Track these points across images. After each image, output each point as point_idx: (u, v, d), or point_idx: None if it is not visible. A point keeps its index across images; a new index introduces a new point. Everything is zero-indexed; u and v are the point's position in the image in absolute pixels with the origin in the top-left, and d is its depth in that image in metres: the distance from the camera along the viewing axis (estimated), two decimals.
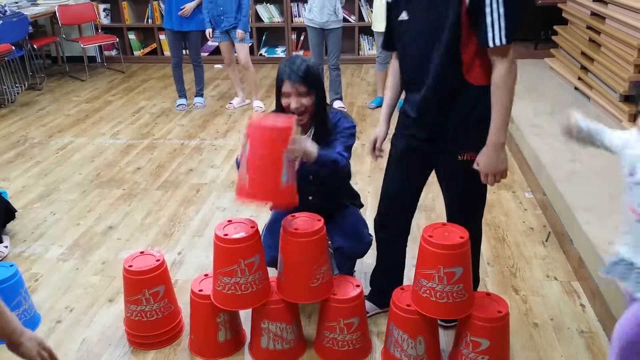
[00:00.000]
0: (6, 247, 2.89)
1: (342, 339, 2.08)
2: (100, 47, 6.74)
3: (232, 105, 5.19)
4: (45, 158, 4.14)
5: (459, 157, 1.97)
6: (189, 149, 4.22)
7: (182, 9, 4.73)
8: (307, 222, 2.03)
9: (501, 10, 1.71)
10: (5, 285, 2.22)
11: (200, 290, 2.10)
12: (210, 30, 4.82)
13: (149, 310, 2.15)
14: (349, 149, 2.17)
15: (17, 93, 5.61)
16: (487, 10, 1.72)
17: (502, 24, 1.72)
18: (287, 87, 2.06)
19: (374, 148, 2.18)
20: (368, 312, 2.32)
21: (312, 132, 2.18)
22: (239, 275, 1.96)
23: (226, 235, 1.95)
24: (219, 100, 5.42)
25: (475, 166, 1.92)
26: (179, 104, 5.19)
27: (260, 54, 6.77)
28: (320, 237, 2.00)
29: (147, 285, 2.12)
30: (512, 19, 1.72)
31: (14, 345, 1.17)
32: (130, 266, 2.13)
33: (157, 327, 2.18)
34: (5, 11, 5.45)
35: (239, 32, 4.72)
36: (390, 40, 2.05)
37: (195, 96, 5.25)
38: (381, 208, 2.25)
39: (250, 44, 5.20)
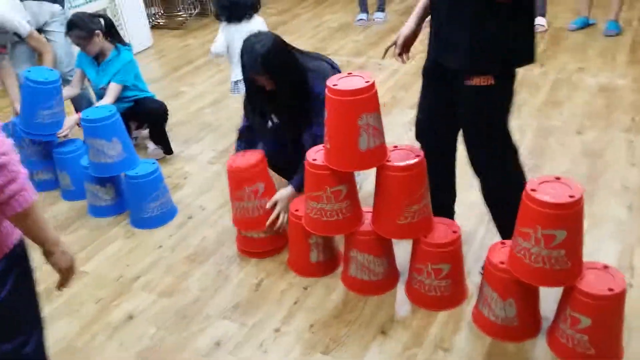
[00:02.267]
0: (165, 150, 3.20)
1: (429, 283, 1.95)
2: None
3: None
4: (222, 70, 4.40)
5: (466, 81, 1.72)
6: (351, 67, 4.16)
7: None
8: (404, 155, 1.89)
9: None
10: (146, 180, 2.53)
11: (297, 210, 2.13)
12: None
13: (250, 207, 2.23)
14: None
15: (189, 17, 5.76)
16: None
17: None
18: None
19: (395, 45, 2.01)
20: None
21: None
22: (325, 202, 1.94)
23: (315, 160, 1.92)
24: (403, 15, 5.16)
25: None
26: (359, 19, 5.09)
27: None
28: (415, 173, 1.85)
29: (247, 183, 2.19)
30: None
31: (47, 254, 1.25)
32: (234, 162, 2.23)
33: (260, 224, 2.25)
34: None
35: None
36: None
37: (376, 11, 5.09)
38: (416, 123, 2.11)
39: None
